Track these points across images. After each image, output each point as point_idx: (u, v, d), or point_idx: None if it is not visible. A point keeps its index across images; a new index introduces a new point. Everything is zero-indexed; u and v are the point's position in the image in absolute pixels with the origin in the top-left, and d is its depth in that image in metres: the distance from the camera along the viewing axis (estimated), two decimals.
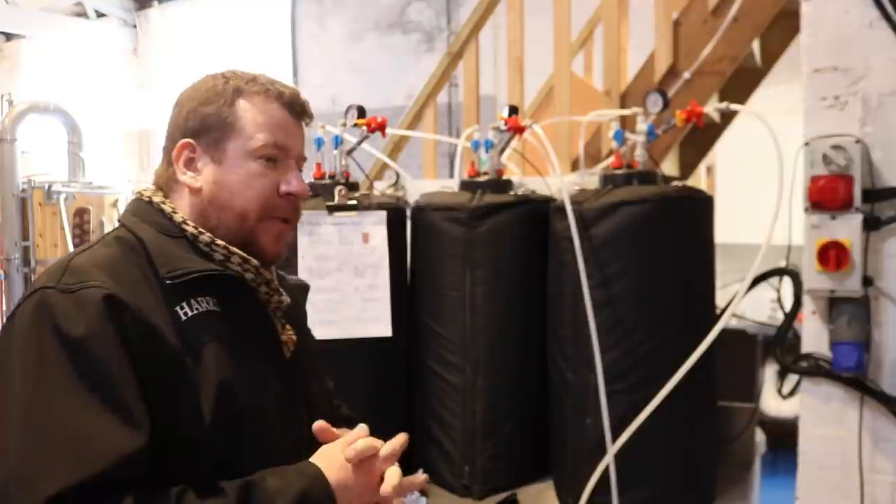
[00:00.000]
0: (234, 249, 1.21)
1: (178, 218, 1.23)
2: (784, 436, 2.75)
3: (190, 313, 1.15)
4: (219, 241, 1.21)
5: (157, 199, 1.25)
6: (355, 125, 2.63)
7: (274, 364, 1.25)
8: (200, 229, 1.22)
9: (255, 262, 1.23)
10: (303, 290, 1.48)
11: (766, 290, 2.71)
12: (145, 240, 1.19)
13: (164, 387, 1.09)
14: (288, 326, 1.30)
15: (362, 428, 1.22)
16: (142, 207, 1.25)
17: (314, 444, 1.21)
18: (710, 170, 5.22)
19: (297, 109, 1.28)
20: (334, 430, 1.23)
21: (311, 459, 1.17)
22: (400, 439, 1.22)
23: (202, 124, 1.23)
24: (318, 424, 1.21)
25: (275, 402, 1.21)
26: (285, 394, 1.24)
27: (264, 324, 1.27)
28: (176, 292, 1.15)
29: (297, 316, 1.37)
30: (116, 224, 1.27)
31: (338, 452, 1.17)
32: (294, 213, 1.27)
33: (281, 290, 1.29)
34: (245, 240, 1.23)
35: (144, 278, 1.15)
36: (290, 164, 1.26)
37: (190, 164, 1.24)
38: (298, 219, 1.30)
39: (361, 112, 2.64)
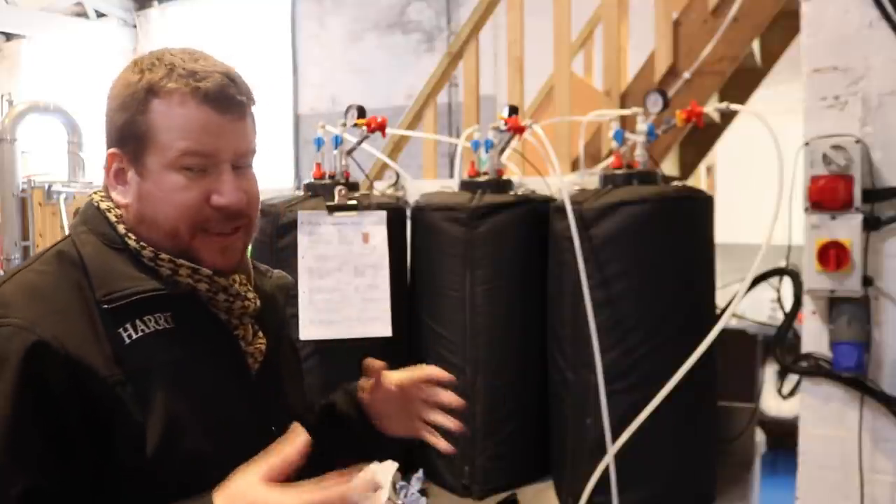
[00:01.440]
0: (181, 261, 1.10)
1: (122, 228, 1.12)
2: (784, 436, 2.75)
3: (135, 335, 1.05)
4: (163, 256, 1.10)
5: (104, 204, 1.15)
6: (355, 125, 2.63)
7: (239, 381, 1.14)
8: (142, 243, 1.11)
9: (206, 270, 1.11)
10: (283, 288, 1.32)
11: (766, 290, 2.71)
12: (86, 256, 1.09)
13: (99, 421, 1.00)
14: (260, 333, 1.18)
15: (298, 442, 0.98)
16: (90, 214, 1.15)
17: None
18: (710, 170, 5.21)
19: (223, 103, 1.09)
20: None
21: (216, 494, 0.97)
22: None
23: (120, 134, 1.11)
24: None
25: (238, 425, 1.10)
26: (252, 413, 1.13)
27: (225, 337, 1.15)
28: (120, 313, 1.05)
29: (273, 319, 1.24)
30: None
31: (251, 489, 0.95)
32: (229, 224, 1.12)
33: (245, 294, 1.16)
34: (184, 257, 1.11)
35: (82, 301, 1.05)
36: (223, 170, 1.10)
37: (120, 176, 1.13)
38: (246, 226, 1.15)
39: (361, 112, 2.64)
